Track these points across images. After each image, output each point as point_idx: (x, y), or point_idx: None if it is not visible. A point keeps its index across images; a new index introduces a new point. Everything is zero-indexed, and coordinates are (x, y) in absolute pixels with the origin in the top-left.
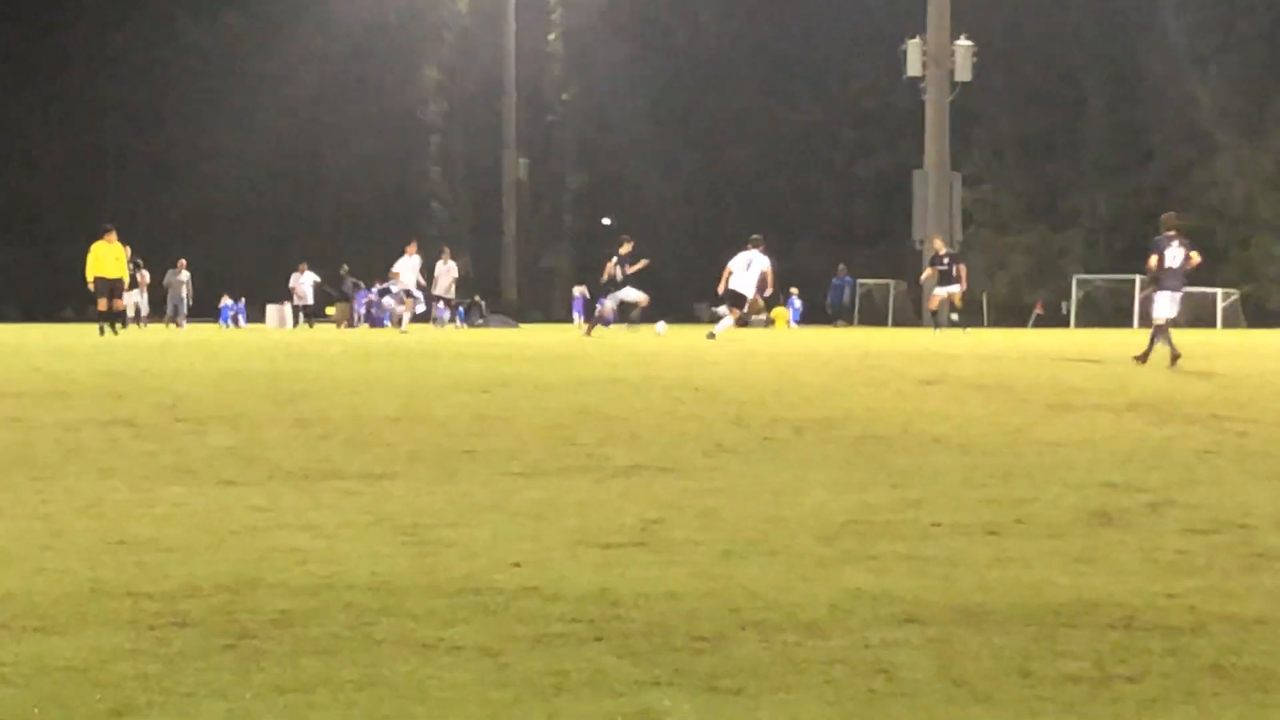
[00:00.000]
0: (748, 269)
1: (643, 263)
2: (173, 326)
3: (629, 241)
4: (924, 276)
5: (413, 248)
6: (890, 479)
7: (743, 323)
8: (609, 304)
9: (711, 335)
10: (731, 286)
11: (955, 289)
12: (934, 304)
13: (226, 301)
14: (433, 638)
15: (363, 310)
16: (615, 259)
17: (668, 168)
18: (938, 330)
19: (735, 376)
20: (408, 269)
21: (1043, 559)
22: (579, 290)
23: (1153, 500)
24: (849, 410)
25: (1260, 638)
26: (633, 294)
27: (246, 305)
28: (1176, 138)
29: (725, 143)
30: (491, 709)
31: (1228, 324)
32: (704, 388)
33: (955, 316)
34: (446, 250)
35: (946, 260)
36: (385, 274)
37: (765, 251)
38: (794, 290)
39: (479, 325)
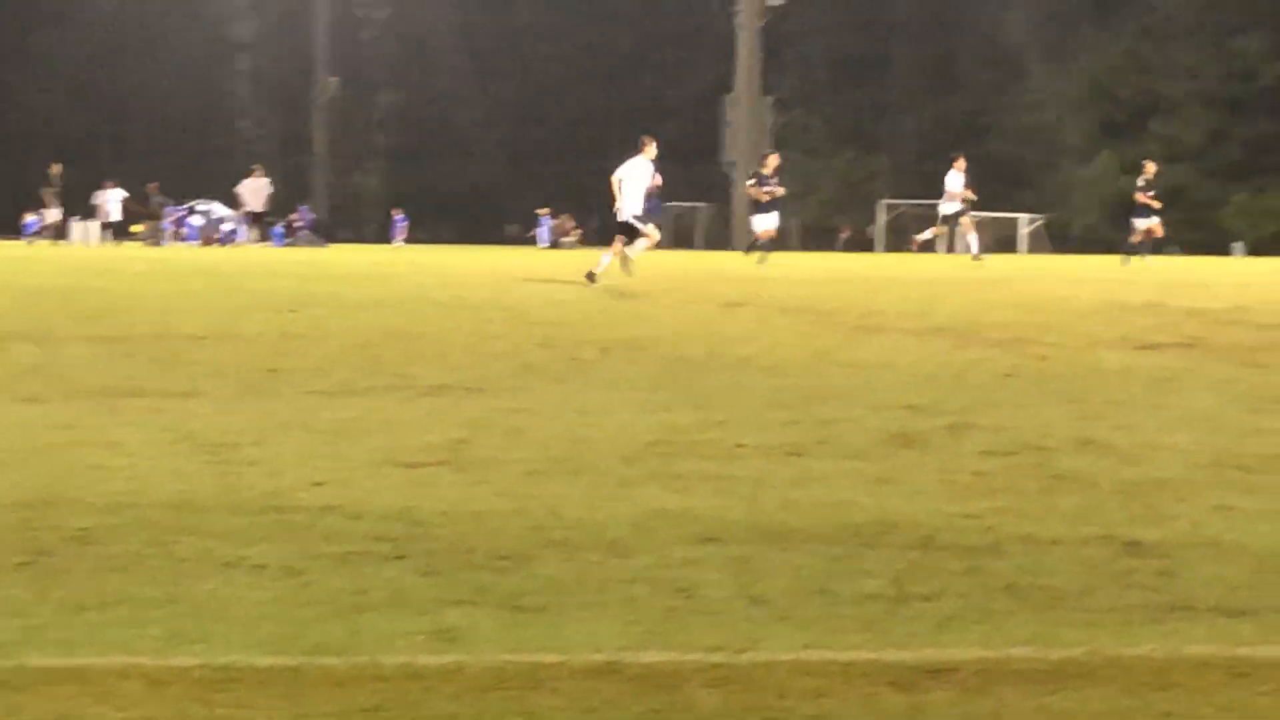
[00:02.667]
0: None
1: (779, 190)
2: None
3: (773, 155)
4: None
5: (258, 170)
6: (695, 400)
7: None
8: (757, 227)
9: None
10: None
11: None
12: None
13: (30, 218)
14: (234, 556)
15: (170, 228)
16: (755, 178)
17: (481, 87)
18: (748, 254)
19: (546, 298)
20: (250, 191)
21: (844, 480)
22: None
23: (953, 422)
24: (656, 332)
25: (1055, 558)
26: (763, 222)
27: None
28: (985, 63)
29: (538, 62)
30: (292, 627)
31: (1033, 249)
32: (512, 308)
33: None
34: (258, 168)
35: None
36: (193, 192)
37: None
38: (542, 211)
39: (288, 244)
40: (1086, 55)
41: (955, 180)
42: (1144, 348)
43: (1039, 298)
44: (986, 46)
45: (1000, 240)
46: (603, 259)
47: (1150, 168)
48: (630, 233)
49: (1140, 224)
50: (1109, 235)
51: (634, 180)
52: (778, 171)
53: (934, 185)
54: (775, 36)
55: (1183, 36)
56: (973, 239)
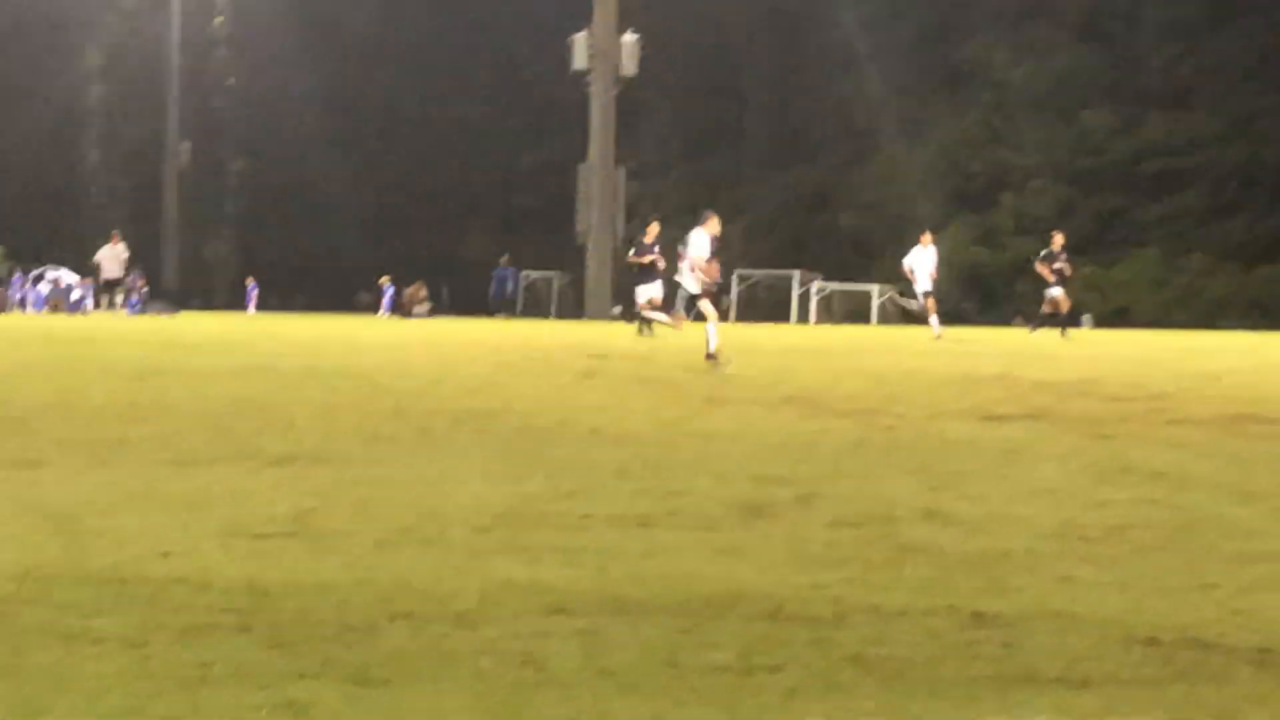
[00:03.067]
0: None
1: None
2: None
3: (654, 223)
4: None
5: (116, 237)
6: (546, 470)
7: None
8: (640, 297)
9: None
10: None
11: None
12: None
13: None
14: (78, 627)
15: (18, 296)
16: (634, 246)
17: (335, 155)
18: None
19: (396, 366)
20: (108, 258)
21: (693, 550)
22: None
23: (801, 493)
24: (508, 402)
25: (901, 629)
26: (646, 292)
27: None
28: (837, 134)
29: (393, 129)
30: (134, 700)
31: (883, 320)
32: (363, 377)
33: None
34: (116, 233)
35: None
36: (41, 258)
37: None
38: (383, 279)
39: (139, 312)
40: (938, 127)
41: (924, 257)
42: (991, 419)
43: (888, 369)
44: (839, 118)
45: (851, 312)
46: (710, 336)
47: (1059, 239)
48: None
49: (1052, 293)
50: (960, 306)
51: (697, 248)
52: (659, 239)
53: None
54: (629, 106)
55: (1033, 110)
56: (934, 320)
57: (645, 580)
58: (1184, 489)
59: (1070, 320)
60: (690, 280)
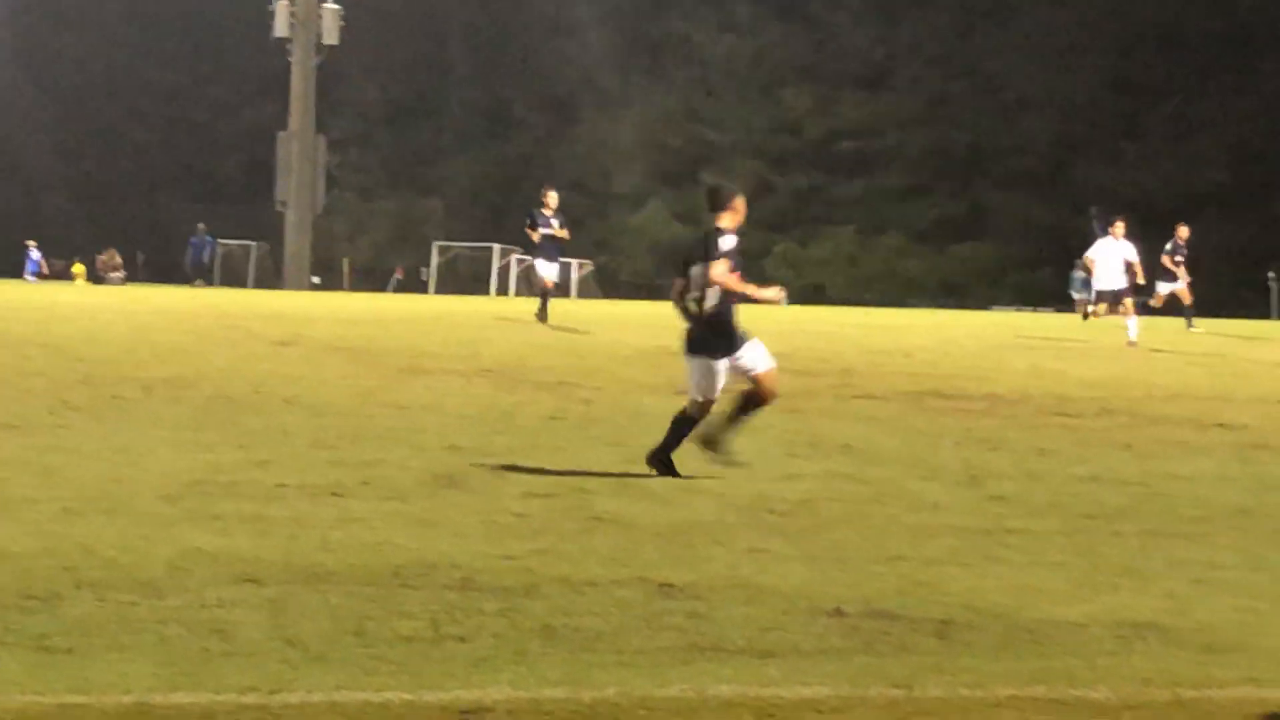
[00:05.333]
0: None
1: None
2: None
3: (551, 191)
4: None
5: None
6: (239, 439)
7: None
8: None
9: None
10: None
11: (555, 269)
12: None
13: None
14: None
15: None
16: (529, 218)
17: (29, 119)
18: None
19: (87, 334)
20: None
21: (385, 520)
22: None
23: (496, 464)
24: (202, 370)
25: (591, 599)
26: (545, 269)
27: None
28: (539, 108)
29: (89, 96)
30: None
31: (582, 293)
32: (53, 345)
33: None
34: None
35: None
36: None
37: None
38: (31, 242)
39: None
40: (640, 102)
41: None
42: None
43: (586, 342)
44: (542, 91)
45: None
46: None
47: (1183, 232)
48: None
49: (1163, 288)
50: (658, 281)
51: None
52: (559, 211)
53: (486, 228)
54: (330, 75)
55: (733, 88)
56: (1131, 324)
57: (336, 550)
58: (871, 463)
59: (1192, 311)
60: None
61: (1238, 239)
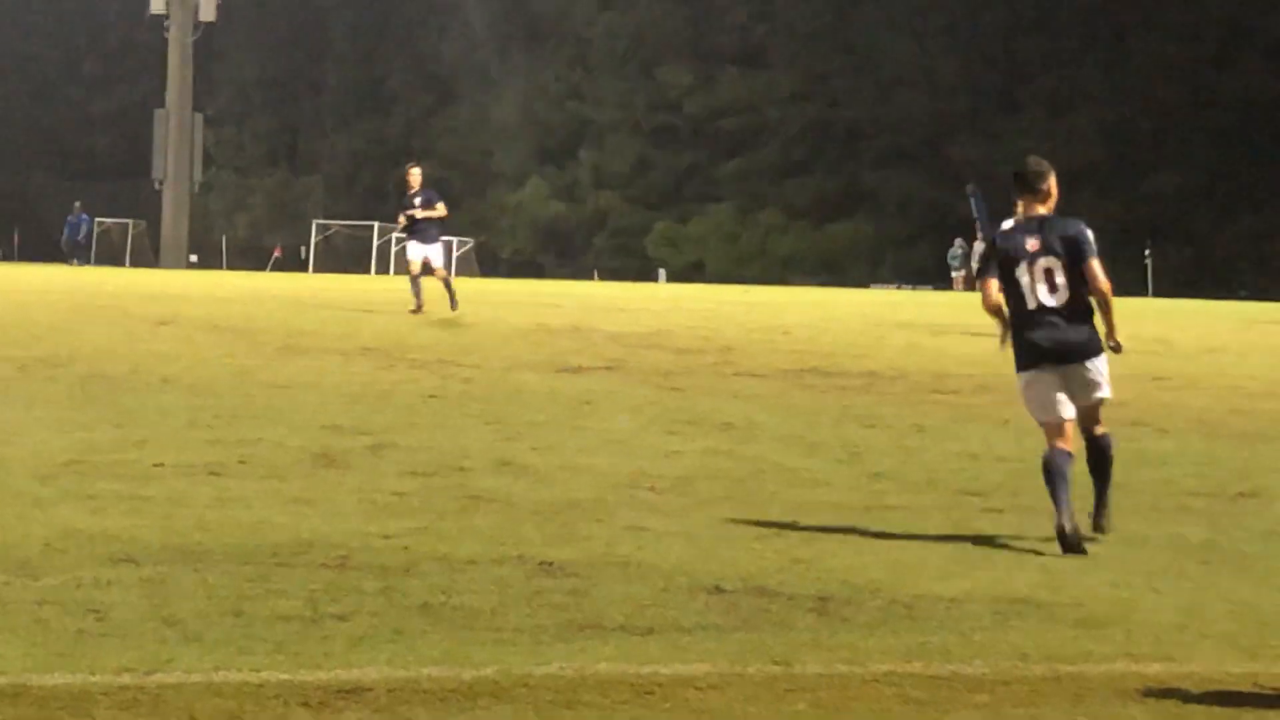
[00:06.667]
0: None
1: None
2: None
3: (414, 168)
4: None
5: None
6: (115, 419)
7: None
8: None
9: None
10: None
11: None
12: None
13: None
14: None
15: None
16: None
17: None
18: None
19: None
20: None
21: (263, 499)
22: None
23: (374, 443)
24: (77, 349)
25: (470, 577)
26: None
27: None
28: (418, 86)
29: None
30: None
31: (462, 272)
32: None
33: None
34: None
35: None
36: None
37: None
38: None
39: None
40: (519, 80)
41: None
42: (565, 371)
43: (465, 320)
44: (420, 69)
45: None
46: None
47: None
48: None
49: None
50: (538, 259)
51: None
52: (428, 187)
53: (365, 206)
54: (207, 52)
55: (613, 66)
56: None
57: (213, 529)
58: (750, 440)
59: None
60: None
61: (1114, 217)
